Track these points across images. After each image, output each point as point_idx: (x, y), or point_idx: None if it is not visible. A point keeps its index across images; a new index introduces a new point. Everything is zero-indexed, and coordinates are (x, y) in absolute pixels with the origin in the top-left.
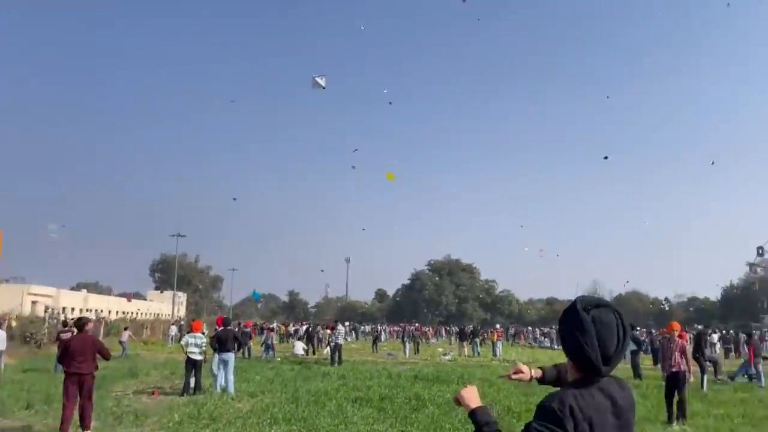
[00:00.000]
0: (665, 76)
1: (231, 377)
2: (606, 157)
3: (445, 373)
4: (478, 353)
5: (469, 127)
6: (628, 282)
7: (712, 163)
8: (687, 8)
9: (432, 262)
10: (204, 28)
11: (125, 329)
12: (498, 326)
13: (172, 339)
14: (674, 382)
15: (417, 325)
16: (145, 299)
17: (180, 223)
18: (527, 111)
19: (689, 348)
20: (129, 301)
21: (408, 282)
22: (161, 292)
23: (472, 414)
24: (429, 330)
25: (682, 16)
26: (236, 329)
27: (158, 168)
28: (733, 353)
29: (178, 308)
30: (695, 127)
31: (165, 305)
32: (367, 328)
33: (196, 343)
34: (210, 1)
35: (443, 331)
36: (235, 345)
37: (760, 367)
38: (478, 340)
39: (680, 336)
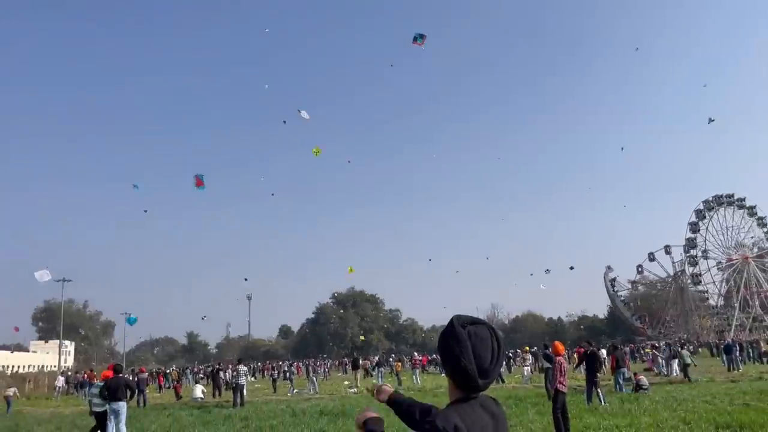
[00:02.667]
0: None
1: (123, 428)
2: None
3: (350, 406)
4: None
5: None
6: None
7: (589, 188)
8: None
9: (336, 294)
10: None
11: (9, 387)
12: (416, 354)
13: (59, 391)
14: (559, 399)
15: (312, 360)
16: (27, 350)
17: (66, 267)
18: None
19: (570, 367)
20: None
21: (312, 316)
22: (45, 341)
23: (391, 400)
24: (326, 363)
25: None
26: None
27: (38, 207)
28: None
29: (65, 358)
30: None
31: (50, 356)
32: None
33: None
34: None
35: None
36: (127, 393)
37: (620, 378)
38: (382, 371)
39: (557, 355)
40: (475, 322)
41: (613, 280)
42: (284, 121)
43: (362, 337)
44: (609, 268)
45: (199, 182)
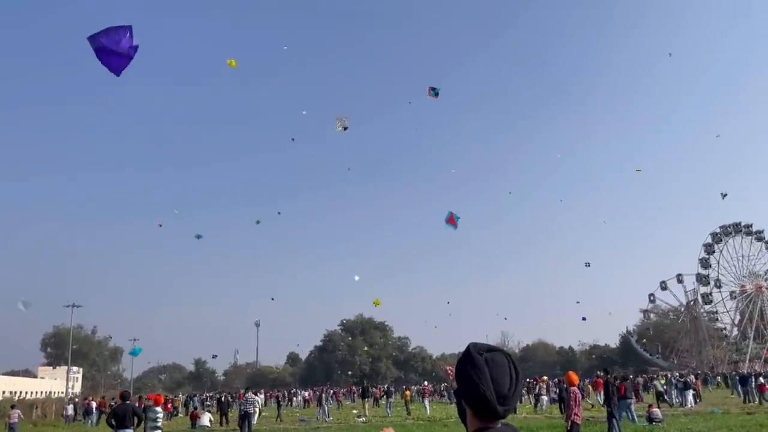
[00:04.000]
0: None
1: None
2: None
3: None
4: (389, 413)
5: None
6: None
7: (604, 221)
8: None
9: (344, 321)
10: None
11: (12, 407)
12: (426, 383)
13: (67, 420)
14: (573, 430)
15: (322, 387)
16: (35, 376)
17: (74, 292)
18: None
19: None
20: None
21: (320, 343)
22: (54, 367)
23: None
24: (338, 391)
25: None
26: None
27: (47, 233)
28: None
29: (72, 385)
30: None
31: (58, 382)
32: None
33: (154, 418)
34: None
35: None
36: (134, 421)
37: (626, 408)
38: (391, 400)
39: (571, 385)
40: (491, 349)
41: (644, 342)
42: (292, 138)
43: (366, 348)
44: (630, 333)
45: (452, 221)
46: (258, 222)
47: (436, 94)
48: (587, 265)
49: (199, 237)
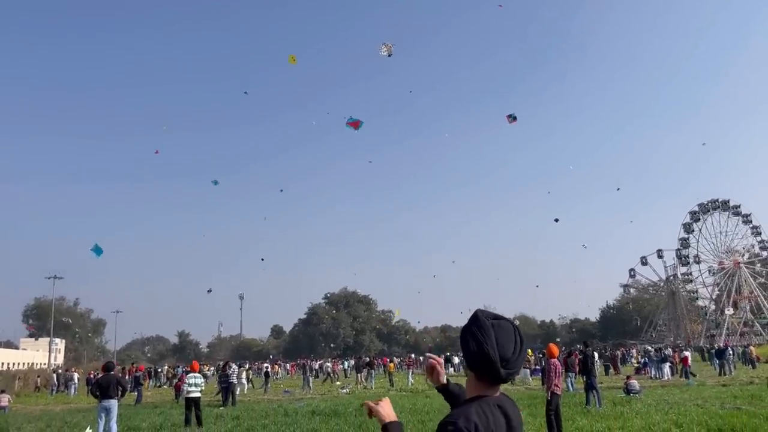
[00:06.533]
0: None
1: (114, 426)
2: (556, 220)
3: (342, 406)
4: (371, 385)
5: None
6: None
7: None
8: None
9: (329, 294)
10: None
11: (2, 392)
12: (412, 356)
13: (53, 390)
14: (553, 401)
15: (306, 360)
16: (17, 348)
17: (56, 264)
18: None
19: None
20: None
21: (305, 316)
22: (36, 339)
23: (385, 428)
24: (334, 363)
25: None
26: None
27: (26, 204)
28: (612, 370)
29: (55, 356)
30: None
31: (40, 354)
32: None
33: (195, 383)
34: None
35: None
36: (119, 391)
37: (569, 381)
38: (373, 372)
39: (551, 357)
40: (498, 317)
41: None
42: (245, 92)
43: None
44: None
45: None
46: (215, 182)
47: (515, 119)
48: (556, 220)
49: (215, 183)
